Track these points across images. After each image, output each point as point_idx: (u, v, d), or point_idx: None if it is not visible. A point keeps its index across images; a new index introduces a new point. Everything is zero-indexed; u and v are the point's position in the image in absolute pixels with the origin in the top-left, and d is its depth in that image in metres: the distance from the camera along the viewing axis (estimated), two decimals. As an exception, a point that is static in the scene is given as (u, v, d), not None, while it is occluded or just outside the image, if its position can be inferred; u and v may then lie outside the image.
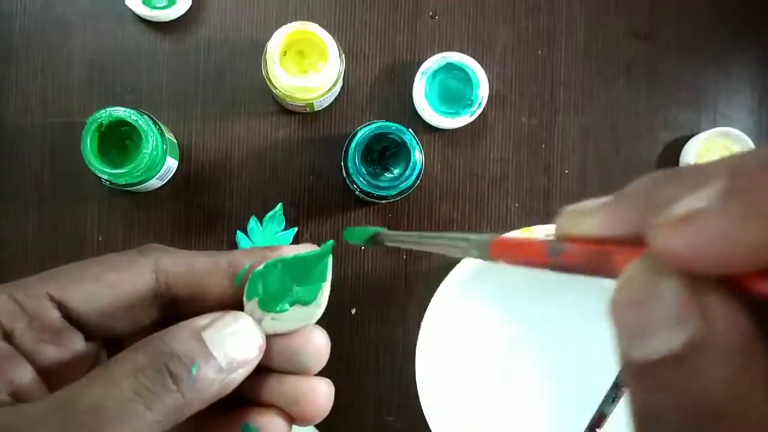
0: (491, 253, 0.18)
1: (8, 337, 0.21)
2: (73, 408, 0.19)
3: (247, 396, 0.23)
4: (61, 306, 0.22)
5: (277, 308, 0.23)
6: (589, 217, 0.15)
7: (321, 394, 0.23)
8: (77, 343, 0.23)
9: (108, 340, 0.24)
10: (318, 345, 0.24)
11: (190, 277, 0.23)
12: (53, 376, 0.22)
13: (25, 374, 0.21)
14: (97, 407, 0.19)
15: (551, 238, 0.17)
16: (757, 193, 0.11)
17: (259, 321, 0.23)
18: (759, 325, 0.12)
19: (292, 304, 0.23)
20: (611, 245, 0.14)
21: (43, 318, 0.22)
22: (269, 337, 0.23)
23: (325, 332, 0.24)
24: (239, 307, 0.23)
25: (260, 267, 0.23)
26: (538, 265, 0.17)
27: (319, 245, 0.24)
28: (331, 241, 0.23)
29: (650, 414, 0.13)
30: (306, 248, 0.24)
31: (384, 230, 0.23)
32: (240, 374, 0.21)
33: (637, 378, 0.13)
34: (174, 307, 0.24)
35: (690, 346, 0.12)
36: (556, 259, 0.16)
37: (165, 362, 0.20)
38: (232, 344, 0.21)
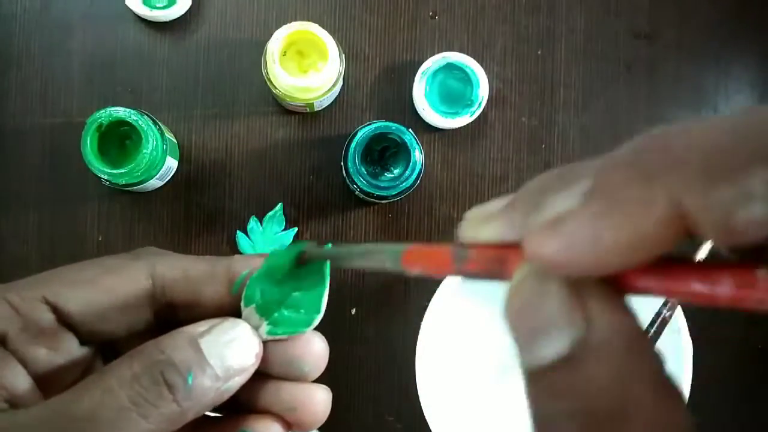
0: (403, 263, 0.18)
1: (2, 341, 0.21)
2: (67, 415, 0.19)
3: (244, 402, 0.23)
4: (55, 309, 0.22)
5: (275, 314, 0.23)
6: (489, 221, 0.15)
7: (319, 401, 0.23)
8: (72, 347, 0.22)
9: (103, 344, 0.24)
10: (316, 351, 0.23)
11: (186, 283, 0.23)
12: (47, 381, 0.22)
13: (20, 380, 0.21)
14: (91, 415, 0.19)
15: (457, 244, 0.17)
16: (618, 191, 0.11)
17: (256, 328, 0.22)
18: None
19: (290, 311, 0.23)
20: (505, 250, 0.14)
21: (37, 321, 0.21)
22: (267, 344, 0.23)
23: (324, 338, 0.24)
24: (236, 313, 0.23)
25: (258, 272, 0.23)
26: (447, 273, 0.17)
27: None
28: (330, 245, 0.23)
29: (546, 419, 0.13)
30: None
31: (307, 245, 0.22)
32: (236, 382, 0.21)
33: (532, 384, 0.13)
34: (170, 311, 0.24)
35: (574, 348, 0.12)
36: (461, 266, 0.16)
37: (161, 370, 0.20)
38: (229, 352, 0.21)
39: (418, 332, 0.46)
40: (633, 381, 0.12)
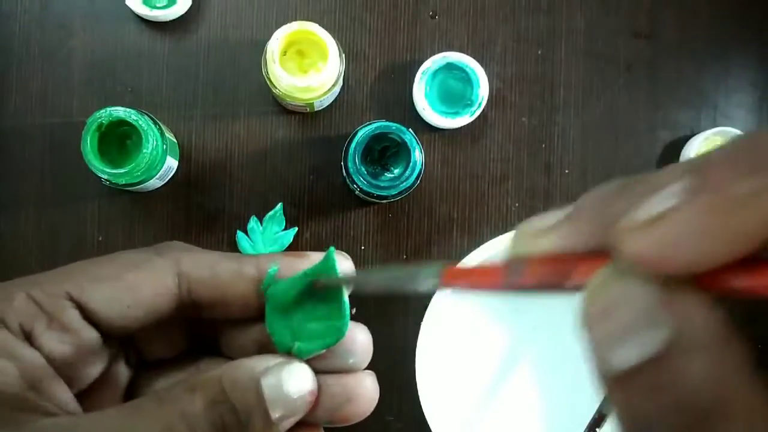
0: (444, 281, 0.18)
1: (27, 337, 0.21)
2: None
3: None
4: (79, 305, 0.22)
5: (302, 332, 0.22)
6: (546, 234, 0.15)
7: (370, 388, 0.23)
8: (95, 343, 0.22)
9: (124, 336, 0.24)
10: (361, 341, 0.23)
11: (213, 282, 0.23)
12: (71, 378, 0.22)
13: (62, 392, 0.21)
14: None
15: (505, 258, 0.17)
16: (724, 184, 0.12)
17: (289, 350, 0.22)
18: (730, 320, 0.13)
19: (314, 323, 0.22)
20: (573, 259, 0.14)
21: (62, 318, 0.21)
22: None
23: (366, 328, 0.23)
24: (262, 311, 0.22)
25: (271, 295, 0.22)
26: (491, 288, 0.17)
27: (323, 248, 0.23)
28: (332, 248, 0.23)
29: (640, 420, 0.13)
30: (314, 257, 0.23)
31: (320, 276, 0.22)
32: (286, 426, 0.21)
33: (622, 386, 0.13)
34: (194, 309, 0.23)
35: (669, 346, 0.12)
36: (514, 279, 0.16)
37: (221, 414, 0.19)
38: (287, 398, 0.21)
39: (418, 332, 0.46)
40: (728, 376, 0.12)
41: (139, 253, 0.23)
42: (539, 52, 0.55)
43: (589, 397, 0.51)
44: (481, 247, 0.42)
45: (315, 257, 0.23)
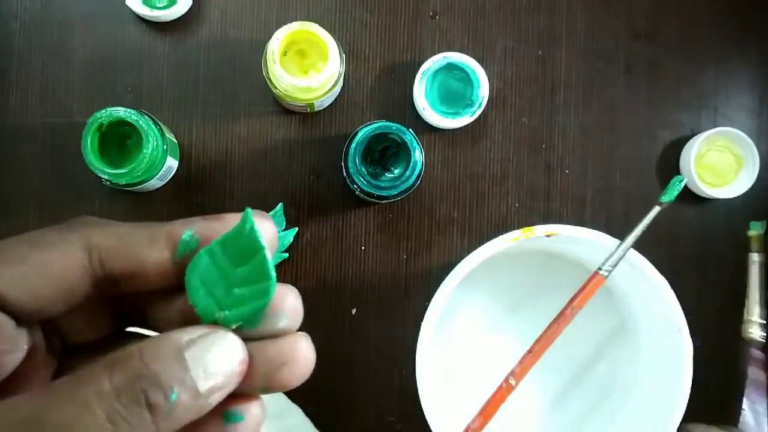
0: None
1: None
2: (45, 422, 0.18)
3: None
4: None
5: (228, 300, 0.21)
6: None
7: (306, 348, 0.21)
8: (8, 329, 0.21)
9: (43, 321, 0.22)
10: (290, 303, 0.22)
11: (125, 251, 0.21)
12: None
13: None
14: (68, 429, 0.18)
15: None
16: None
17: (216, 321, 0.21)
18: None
19: (240, 289, 0.21)
20: None
21: None
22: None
23: (295, 289, 0.22)
24: (181, 280, 0.22)
25: (190, 266, 0.21)
26: None
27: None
28: (248, 209, 0.21)
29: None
30: (232, 218, 0.22)
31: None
32: (217, 398, 0.20)
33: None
34: (111, 283, 0.22)
35: None
36: None
37: (144, 389, 0.18)
38: (214, 367, 0.20)
39: (418, 332, 0.46)
40: None
41: (48, 231, 0.22)
42: (539, 52, 0.55)
43: (588, 397, 0.51)
44: (481, 247, 0.42)
45: (233, 219, 0.22)
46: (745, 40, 0.57)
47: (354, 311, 0.54)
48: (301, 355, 0.21)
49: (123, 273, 0.22)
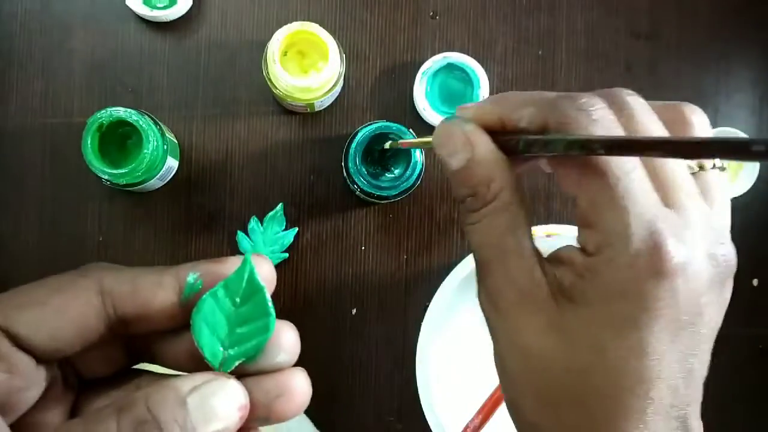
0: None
1: None
2: None
3: None
4: (8, 333, 0.22)
5: (231, 338, 0.23)
6: (469, 110, 0.27)
7: (302, 382, 0.23)
8: (29, 368, 0.22)
9: (60, 360, 0.24)
10: (287, 338, 0.23)
11: (134, 295, 0.23)
12: (8, 404, 0.22)
13: None
14: None
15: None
16: (496, 101, 0.26)
17: (222, 362, 0.23)
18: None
19: (242, 327, 0.23)
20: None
21: None
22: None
23: (292, 325, 0.24)
24: (187, 321, 0.23)
25: (195, 309, 0.23)
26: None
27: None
28: (248, 254, 0.23)
29: (457, 196, 0.25)
30: (234, 261, 0.24)
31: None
32: None
33: (454, 177, 0.25)
34: (123, 325, 0.24)
35: (468, 159, 0.25)
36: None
37: None
38: (214, 413, 0.21)
39: (418, 332, 0.46)
40: (497, 177, 0.24)
41: (63, 277, 0.24)
42: (539, 52, 0.55)
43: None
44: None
45: (234, 262, 0.24)
46: (745, 40, 0.57)
47: (354, 311, 0.54)
48: (297, 388, 0.23)
49: (134, 315, 0.23)
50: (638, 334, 0.22)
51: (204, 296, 0.23)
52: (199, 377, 0.22)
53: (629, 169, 0.22)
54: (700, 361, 0.23)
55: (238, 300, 0.23)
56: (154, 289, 0.23)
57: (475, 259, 0.25)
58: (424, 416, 0.45)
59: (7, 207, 0.52)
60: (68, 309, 0.23)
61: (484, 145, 0.25)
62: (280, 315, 0.23)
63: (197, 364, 0.23)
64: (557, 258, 0.24)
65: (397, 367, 0.54)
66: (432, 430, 0.46)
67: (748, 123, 0.57)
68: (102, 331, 0.23)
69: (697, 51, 0.56)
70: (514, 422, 0.26)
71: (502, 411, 0.51)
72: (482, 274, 0.25)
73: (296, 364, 0.24)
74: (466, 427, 0.47)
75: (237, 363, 0.23)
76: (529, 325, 0.23)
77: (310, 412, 0.51)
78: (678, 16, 0.56)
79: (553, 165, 0.25)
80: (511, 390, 0.25)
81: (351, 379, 0.54)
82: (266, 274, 0.23)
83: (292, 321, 0.24)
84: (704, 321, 0.23)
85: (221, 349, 0.23)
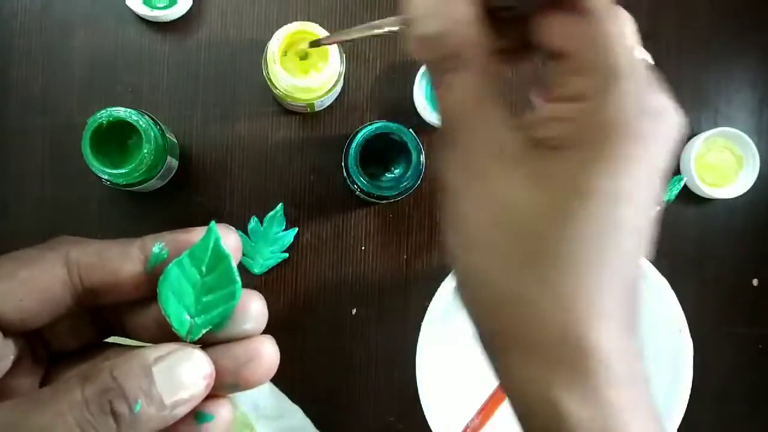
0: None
1: None
2: (18, 430, 0.20)
3: None
4: None
5: (198, 307, 0.23)
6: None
7: (270, 348, 0.24)
8: None
9: (28, 333, 0.24)
10: (254, 307, 0.24)
11: (101, 266, 0.24)
12: None
13: None
14: None
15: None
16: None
17: (189, 330, 0.23)
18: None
19: (207, 296, 0.23)
20: None
21: None
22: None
23: (260, 294, 0.24)
24: (154, 291, 0.23)
25: (161, 278, 0.23)
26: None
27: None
28: (213, 222, 0.24)
29: (426, 64, 0.23)
30: (199, 231, 0.24)
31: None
32: (183, 410, 0.22)
33: (420, 44, 0.22)
34: (91, 296, 0.24)
35: (441, 28, 0.22)
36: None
37: (110, 399, 0.20)
38: (179, 381, 0.22)
39: (418, 332, 0.46)
40: (464, 33, 0.22)
41: (30, 250, 0.24)
42: (539, 52, 0.55)
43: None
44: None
45: (199, 231, 0.24)
46: (745, 41, 0.57)
47: (354, 311, 0.54)
48: (265, 354, 0.23)
49: (100, 286, 0.24)
50: (629, 173, 0.21)
51: (169, 265, 0.23)
52: (164, 347, 0.22)
53: (613, 11, 0.23)
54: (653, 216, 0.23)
55: (203, 269, 0.23)
56: (121, 259, 0.24)
57: (444, 125, 0.24)
58: (424, 416, 0.45)
59: (7, 207, 0.52)
60: (34, 281, 0.23)
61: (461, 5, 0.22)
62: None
63: (166, 334, 0.23)
64: (533, 119, 0.23)
65: (397, 367, 0.54)
66: (432, 430, 0.46)
67: (748, 123, 0.57)
68: (69, 303, 0.24)
69: (697, 52, 0.56)
70: (472, 304, 0.25)
71: (502, 411, 0.51)
72: (453, 137, 0.23)
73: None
74: (466, 427, 0.47)
75: (204, 331, 0.23)
76: (510, 178, 0.22)
77: (310, 412, 0.51)
78: (678, 16, 0.56)
79: (538, 21, 0.24)
80: (478, 255, 0.24)
81: (351, 379, 0.54)
82: (231, 243, 0.24)
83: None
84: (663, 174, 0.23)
85: (188, 317, 0.23)
